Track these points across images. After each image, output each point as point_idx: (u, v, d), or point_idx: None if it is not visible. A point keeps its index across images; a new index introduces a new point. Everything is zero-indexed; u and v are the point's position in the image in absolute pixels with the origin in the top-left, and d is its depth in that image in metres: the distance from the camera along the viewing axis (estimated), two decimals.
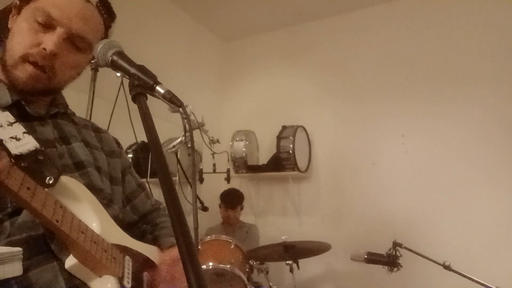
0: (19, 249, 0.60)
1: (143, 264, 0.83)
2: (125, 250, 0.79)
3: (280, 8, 3.65)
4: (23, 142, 0.69)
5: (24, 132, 0.71)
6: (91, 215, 0.74)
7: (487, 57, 2.94)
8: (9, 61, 0.79)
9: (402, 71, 3.26)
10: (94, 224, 0.74)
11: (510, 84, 2.84)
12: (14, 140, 0.68)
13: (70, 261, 0.68)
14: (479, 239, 2.72)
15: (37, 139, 0.72)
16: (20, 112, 0.79)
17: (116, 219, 0.85)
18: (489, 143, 2.82)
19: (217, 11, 3.72)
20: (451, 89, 3.03)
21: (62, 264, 0.70)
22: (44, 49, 0.78)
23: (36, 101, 0.85)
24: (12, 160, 0.63)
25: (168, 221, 1.04)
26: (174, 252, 0.91)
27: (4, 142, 0.68)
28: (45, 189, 0.67)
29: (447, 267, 1.86)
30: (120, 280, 0.72)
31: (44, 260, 0.70)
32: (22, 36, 0.79)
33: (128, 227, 0.98)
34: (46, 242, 0.71)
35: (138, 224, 1.06)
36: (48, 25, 0.79)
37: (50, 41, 0.78)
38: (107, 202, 0.86)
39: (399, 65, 3.28)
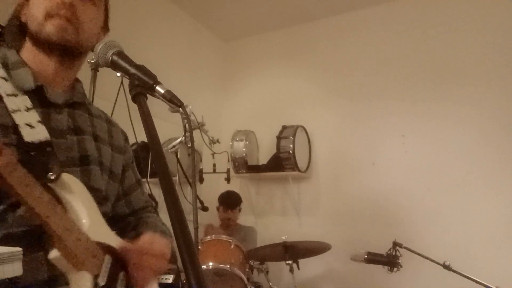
0: (19, 249, 0.61)
1: (122, 263, 0.85)
2: (107, 248, 0.80)
3: (280, 8, 3.65)
4: (36, 131, 0.72)
5: (38, 121, 0.74)
6: (83, 212, 0.77)
7: (487, 57, 2.94)
8: (35, 25, 0.83)
9: (402, 71, 3.26)
10: (84, 221, 0.76)
11: (510, 84, 2.84)
12: (29, 127, 0.72)
13: (54, 253, 0.71)
14: (479, 239, 2.72)
15: (50, 127, 0.76)
16: (40, 97, 0.82)
17: (106, 215, 0.87)
18: (489, 143, 2.82)
19: (217, 11, 3.72)
20: (451, 89, 3.03)
21: (47, 254, 0.73)
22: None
23: (58, 85, 0.87)
24: (18, 149, 0.66)
25: (152, 217, 1.06)
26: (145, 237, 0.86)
27: (19, 127, 0.72)
28: (46, 183, 0.70)
29: (447, 267, 1.86)
30: (96, 277, 0.74)
31: (32, 249, 0.72)
32: (38, 4, 0.83)
33: (118, 219, 1.01)
34: (39, 233, 0.73)
35: (127, 218, 1.08)
36: None
37: None
38: (101, 200, 0.89)
39: (399, 65, 3.28)
